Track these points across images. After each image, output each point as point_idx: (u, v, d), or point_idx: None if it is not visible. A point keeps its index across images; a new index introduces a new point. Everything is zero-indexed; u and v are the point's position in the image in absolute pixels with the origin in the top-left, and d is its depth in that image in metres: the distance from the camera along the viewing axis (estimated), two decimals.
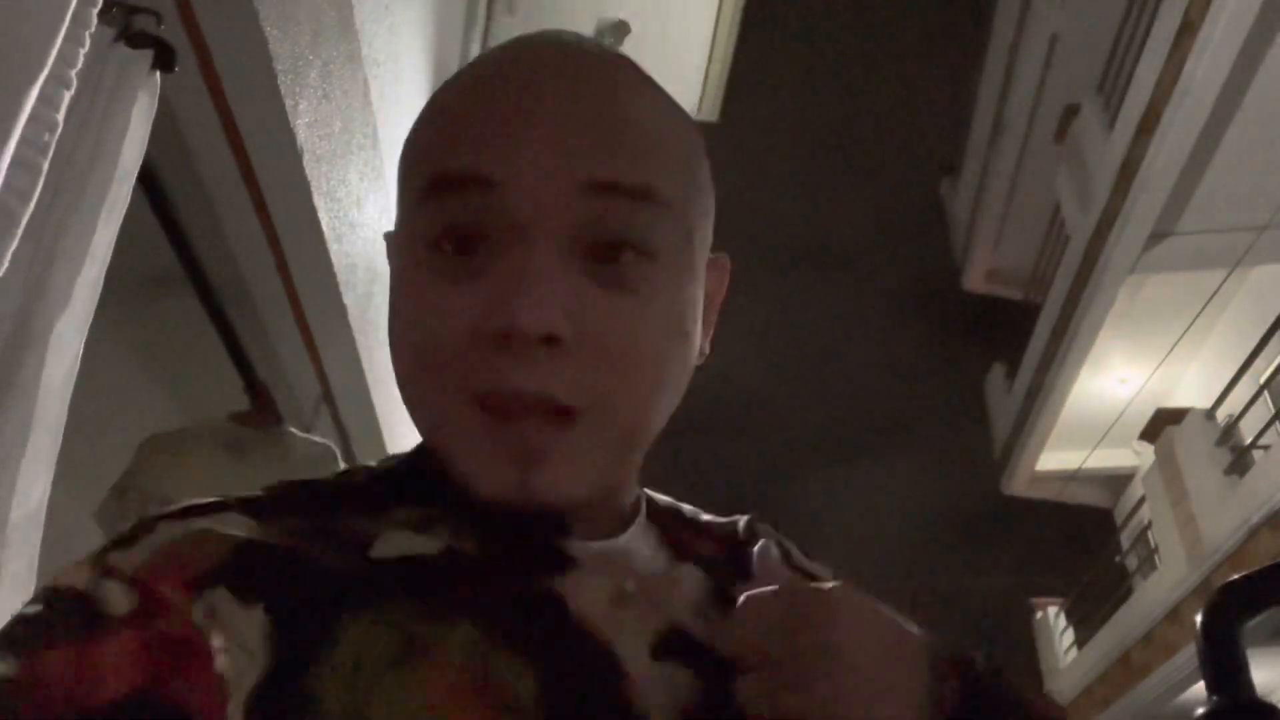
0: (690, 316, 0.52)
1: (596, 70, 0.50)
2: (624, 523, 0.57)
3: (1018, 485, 12.02)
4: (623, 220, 0.48)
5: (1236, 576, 0.52)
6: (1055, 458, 11.20)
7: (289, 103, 1.60)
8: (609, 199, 0.47)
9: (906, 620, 0.54)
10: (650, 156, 0.49)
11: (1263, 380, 7.65)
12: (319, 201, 1.84)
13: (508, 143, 0.47)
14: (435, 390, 0.48)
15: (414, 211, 0.50)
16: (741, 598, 0.51)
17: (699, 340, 0.55)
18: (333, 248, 1.98)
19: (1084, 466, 10.82)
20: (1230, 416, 7.64)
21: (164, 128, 1.33)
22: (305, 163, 1.73)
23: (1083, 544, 11.15)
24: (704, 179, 0.55)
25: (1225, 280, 7.70)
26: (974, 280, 13.75)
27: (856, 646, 0.47)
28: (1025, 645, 11.69)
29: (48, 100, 0.88)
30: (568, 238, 0.47)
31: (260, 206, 1.82)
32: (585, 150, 0.47)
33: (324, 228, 1.90)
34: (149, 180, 1.48)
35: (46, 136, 0.89)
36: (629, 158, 0.48)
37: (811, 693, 0.46)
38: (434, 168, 0.49)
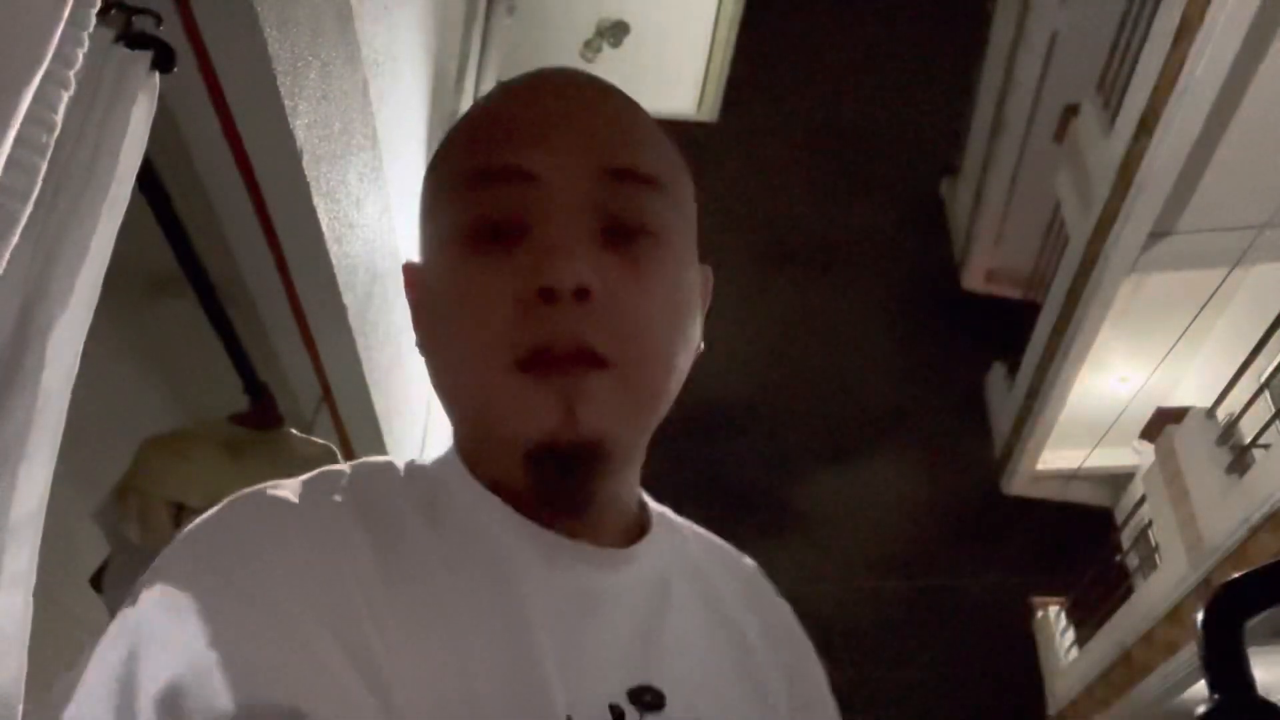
0: (693, 298, 0.60)
1: (607, 90, 0.60)
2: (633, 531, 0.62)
3: (1018, 484, 12.01)
4: (637, 204, 0.56)
5: (1237, 574, 0.52)
6: (1056, 457, 11.19)
7: (288, 103, 1.60)
8: (625, 184, 0.55)
9: None
10: (656, 153, 0.59)
11: (1263, 379, 7.65)
12: (318, 202, 1.84)
13: (540, 141, 0.55)
14: (480, 364, 0.53)
15: (453, 207, 0.57)
16: None
17: (697, 325, 0.61)
18: (332, 248, 1.98)
19: (1084, 465, 10.82)
20: (1231, 415, 7.64)
21: (163, 129, 1.33)
22: (305, 163, 1.73)
23: (1083, 543, 11.15)
24: (691, 193, 0.63)
25: (1225, 279, 7.70)
26: (974, 280, 13.74)
27: None
28: (1026, 645, 11.69)
29: (45, 101, 0.88)
30: (591, 215, 0.54)
31: (260, 207, 1.82)
32: (605, 144, 0.56)
33: (323, 228, 1.90)
34: (149, 181, 1.48)
35: (45, 137, 0.89)
36: (640, 151, 0.57)
37: None
38: (474, 163, 0.56)
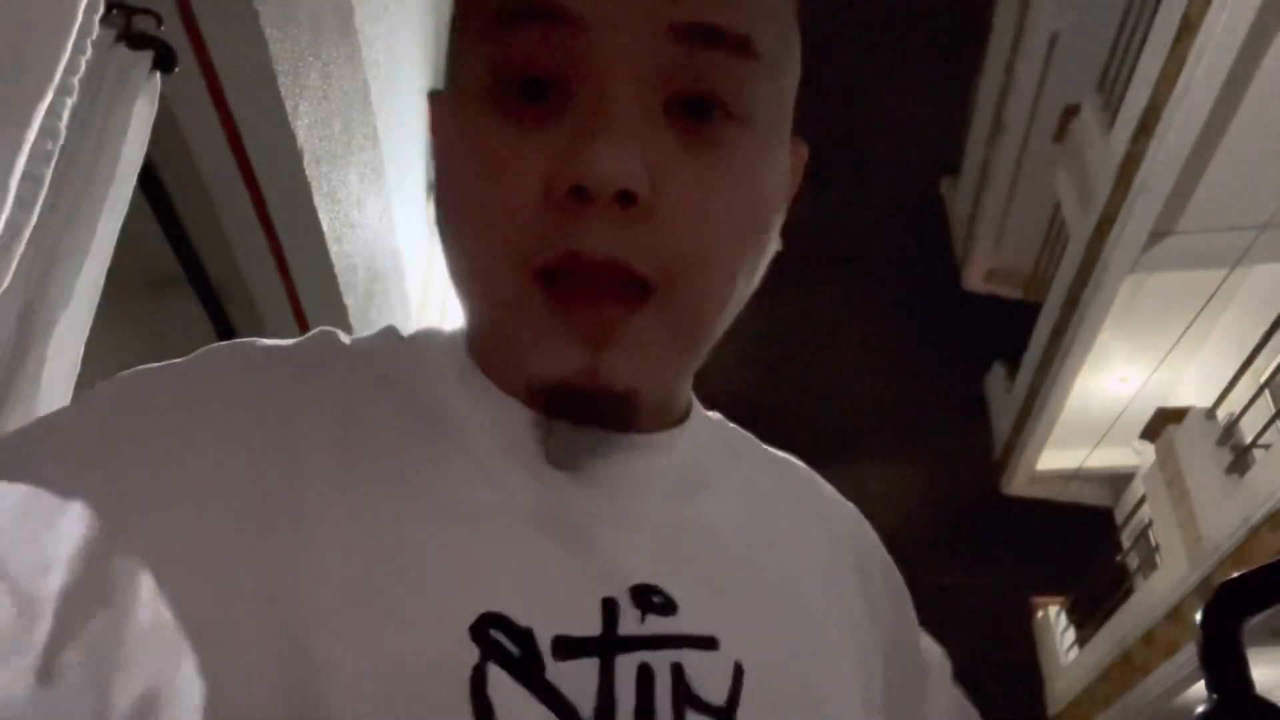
0: (776, 196, 0.47)
1: None
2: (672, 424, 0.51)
3: (1018, 485, 12.01)
4: (715, 72, 0.42)
5: (1237, 574, 0.52)
6: (1056, 457, 11.19)
7: (289, 103, 1.60)
8: (703, 46, 0.42)
9: None
10: (756, 5, 0.44)
11: (1263, 379, 7.65)
12: (319, 202, 1.84)
13: None
14: (494, 265, 0.43)
15: (477, 50, 0.44)
16: None
17: (777, 225, 0.49)
18: (333, 248, 1.99)
19: (1085, 466, 10.82)
20: (1231, 415, 7.64)
21: (164, 129, 1.33)
22: (305, 163, 1.73)
23: (1084, 543, 11.15)
24: (797, 44, 0.49)
25: (1225, 279, 7.70)
26: (974, 279, 13.74)
27: None
28: (1026, 645, 11.69)
29: (51, 109, 0.88)
30: (653, 85, 0.42)
31: (260, 207, 1.82)
32: None
33: (324, 228, 1.91)
34: (150, 181, 1.49)
35: (50, 145, 0.89)
36: (728, 1, 0.43)
37: None
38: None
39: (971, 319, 13.70)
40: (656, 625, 0.43)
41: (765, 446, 0.60)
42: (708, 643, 0.43)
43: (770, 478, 0.57)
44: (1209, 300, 7.93)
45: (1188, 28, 6.55)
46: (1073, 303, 9.32)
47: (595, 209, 0.40)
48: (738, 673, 0.44)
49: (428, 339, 0.52)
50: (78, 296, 1.04)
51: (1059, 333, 9.80)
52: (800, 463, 0.62)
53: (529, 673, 0.39)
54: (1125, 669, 8.91)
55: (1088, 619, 10.46)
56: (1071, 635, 11.05)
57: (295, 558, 0.39)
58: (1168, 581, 8.02)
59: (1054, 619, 11.59)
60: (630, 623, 0.42)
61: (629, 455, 0.48)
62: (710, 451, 0.53)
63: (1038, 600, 11.90)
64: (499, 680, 0.38)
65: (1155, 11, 7.25)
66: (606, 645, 0.41)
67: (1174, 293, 8.36)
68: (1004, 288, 13.35)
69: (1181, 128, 6.81)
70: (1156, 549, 8.77)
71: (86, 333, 1.09)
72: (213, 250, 1.88)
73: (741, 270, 0.45)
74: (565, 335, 0.42)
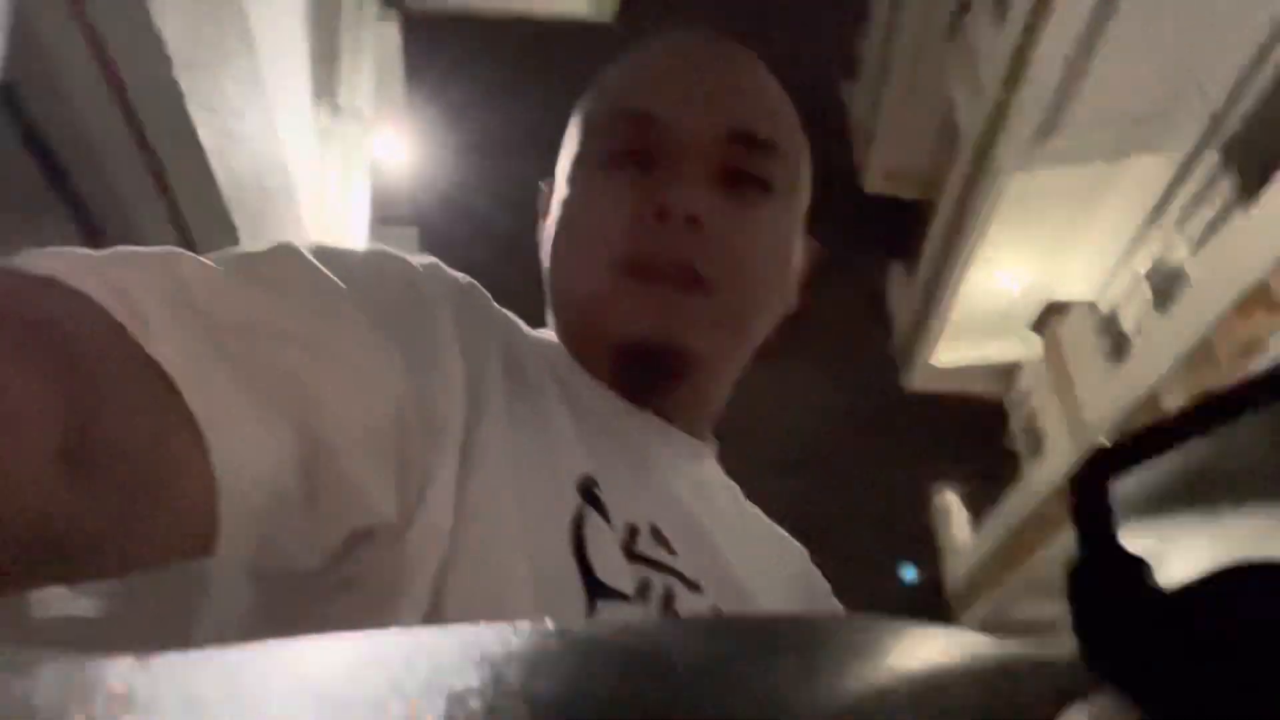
0: (790, 246, 0.67)
1: (741, 59, 0.69)
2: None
3: (919, 380, 12.46)
4: (750, 158, 0.64)
5: (1110, 439, 0.56)
6: (953, 353, 11.61)
7: (153, 6, 1.51)
8: (744, 143, 0.63)
9: None
10: (777, 123, 0.67)
11: (1144, 272, 8.03)
12: (194, 111, 1.75)
13: (676, 95, 0.64)
14: (589, 261, 0.62)
15: (593, 137, 0.65)
16: None
17: (793, 281, 0.70)
18: (213, 161, 1.90)
19: (980, 360, 11.26)
20: (1114, 308, 8.02)
21: (23, 43, 1.24)
22: (175, 70, 1.64)
23: (981, 434, 11.67)
24: (805, 145, 0.70)
25: (1107, 173, 7.96)
26: (874, 181, 13.93)
27: None
28: (927, 528, 12.30)
29: None
30: (709, 161, 0.63)
31: (131, 119, 1.73)
32: (732, 108, 0.64)
33: (202, 139, 1.82)
34: (11, 99, 1.39)
35: None
36: (762, 118, 0.65)
37: None
38: (618, 105, 0.65)
39: (872, 221, 13.94)
40: (662, 555, 0.56)
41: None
42: (694, 586, 0.56)
43: (751, 510, 0.73)
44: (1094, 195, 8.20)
45: None
46: (965, 201, 9.55)
47: (670, 226, 0.59)
48: (715, 612, 0.57)
49: (546, 335, 0.68)
50: None
51: (953, 231, 10.06)
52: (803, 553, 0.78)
53: (609, 521, 0.53)
54: (1016, 547, 9.48)
55: (983, 504, 11.04)
56: (967, 520, 11.66)
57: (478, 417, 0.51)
58: (1053, 464, 8.50)
59: (952, 505, 12.20)
60: (645, 544, 0.55)
61: (671, 438, 0.64)
62: (718, 474, 0.71)
63: (936, 488, 12.49)
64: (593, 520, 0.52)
65: None
66: (626, 552, 0.54)
67: (1061, 189, 8.63)
68: (903, 188, 13.58)
69: (1068, 22, 6.94)
70: (1044, 435, 9.26)
71: None
72: (85, 171, 1.78)
73: (768, 289, 0.65)
74: (643, 305, 0.59)
